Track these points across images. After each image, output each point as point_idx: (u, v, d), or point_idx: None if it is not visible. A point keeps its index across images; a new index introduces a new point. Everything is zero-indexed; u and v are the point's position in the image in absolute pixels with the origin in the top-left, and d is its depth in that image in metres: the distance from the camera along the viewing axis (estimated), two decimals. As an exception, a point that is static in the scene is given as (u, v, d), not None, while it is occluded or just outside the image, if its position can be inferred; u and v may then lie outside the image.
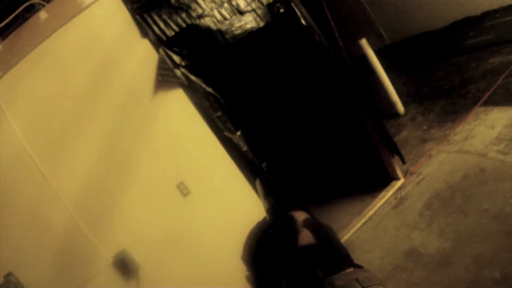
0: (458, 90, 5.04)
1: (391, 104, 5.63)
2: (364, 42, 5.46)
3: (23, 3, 3.48)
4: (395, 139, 5.24)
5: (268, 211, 3.70)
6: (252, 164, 3.87)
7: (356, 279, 2.78)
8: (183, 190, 3.72)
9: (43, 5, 3.51)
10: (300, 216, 3.46)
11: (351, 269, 2.95)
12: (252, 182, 3.85)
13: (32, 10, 3.58)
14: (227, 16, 3.85)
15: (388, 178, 4.60)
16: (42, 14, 3.52)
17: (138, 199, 3.69)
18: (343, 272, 2.88)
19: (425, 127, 5.05)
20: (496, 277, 2.83)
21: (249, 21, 3.92)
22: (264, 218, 3.67)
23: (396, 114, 5.68)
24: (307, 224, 3.35)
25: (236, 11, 3.90)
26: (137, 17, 3.63)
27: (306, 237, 3.24)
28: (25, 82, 3.56)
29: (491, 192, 3.50)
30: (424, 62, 5.93)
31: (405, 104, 5.70)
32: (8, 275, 3.51)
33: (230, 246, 3.73)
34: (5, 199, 3.57)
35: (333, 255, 3.17)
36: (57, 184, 3.61)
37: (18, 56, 3.52)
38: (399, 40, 6.62)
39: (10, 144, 3.55)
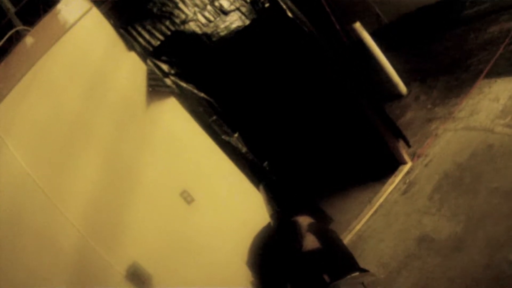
0: (459, 64, 4.87)
1: (393, 86, 5.50)
2: (358, 25, 5.33)
3: (9, 30, 3.49)
4: (400, 121, 5.15)
5: (272, 216, 3.68)
6: (253, 165, 3.84)
7: (362, 283, 2.77)
8: (187, 198, 3.72)
9: (28, 31, 3.53)
10: (304, 220, 3.43)
11: (357, 273, 2.93)
12: (255, 183, 3.82)
13: (18, 36, 3.60)
14: (211, 18, 3.80)
15: (395, 163, 4.50)
16: (28, 40, 3.53)
17: (144, 211, 3.70)
18: (348, 277, 2.87)
19: (429, 106, 4.91)
20: (510, 259, 2.74)
21: (234, 21, 3.86)
22: (269, 223, 3.64)
23: (399, 95, 5.54)
24: (312, 228, 3.32)
25: (220, 12, 3.84)
26: (121, 31, 3.62)
27: (311, 241, 3.22)
28: (20, 109, 3.59)
29: (500, 169, 3.38)
30: (423, 38, 5.75)
31: (407, 83, 5.55)
32: (27, 297, 3.59)
33: (235, 249, 3.72)
34: (15, 225, 3.62)
35: (338, 260, 3.15)
36: (64, 205, 3.65)
37: (10, 84, 3.55)
38: (396, 18, 6.43)
39: (13, 172, 3.59)
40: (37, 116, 3.61)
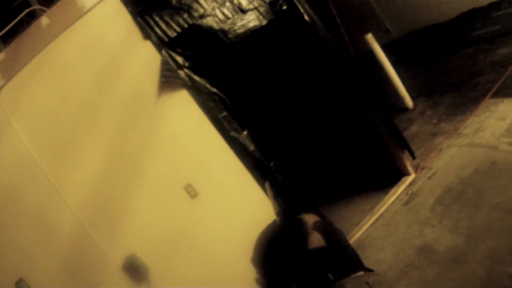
0: (467, 82, 4.93)
1: (400, 99, 5.54)
2: (370, 37, 5.38)
3: (25, 9, 3.47)
4: (405, 134, 5.16)
5: (278, 213, 3.66)
6: (259, 164, 3.83)
7: (367, 283, 2.76)
8: (191, 192, 3.69)
9: (44, 11, 3.51)
10: (310, 218, 3.42)
11: (362, 273, 2.93)
12: (260, 181, 3.81)
13: (33, 16, 3.58)
14: (229, 15, 3.82)
15: (398, 173, 4.52)
16: (44, 20, 3.52)
17: (146, 202, 3.67)
18: (353, 276, 2.86)
19: (434, 121, 4.96)
20: (511, 273, 2.75)
21: (251, 20, 3.88)
22: (274, 221, 3.63)
23: (405, 109, 5.58)
24: (317, 226, 3.32)
25: (238, 10, 3.86)
26: (139, 19, 3.62)
27: (316, 240, 3.22)
28: (29, 89, 3.57)
29: (503, 186, 3.41)
30: (431, 55, 5.83)
31: (414, 98, 5.60)
32: (19, 281, 3.54)
33: (239, 246, 3.70)
34: (14, 206, 3.58)
35: (344, 258, 3.15)
36: (65, 190, 3.62)
37: (20, 63, 3.53)
38: (405, 34, 6.52)
39: (17, 151, 3.56)
40: (45, 97, 3.60)
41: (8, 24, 3.45)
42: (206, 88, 3.72)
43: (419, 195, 4.10)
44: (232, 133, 3.76)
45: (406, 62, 6.08)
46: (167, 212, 3.70)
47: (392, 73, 5.38)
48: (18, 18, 3.40)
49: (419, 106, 5.47)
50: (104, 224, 3.66)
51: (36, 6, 3.44)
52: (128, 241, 3.65)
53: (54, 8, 3.55)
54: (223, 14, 3.81)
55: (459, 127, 4.46)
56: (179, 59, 3.68)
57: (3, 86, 3.54)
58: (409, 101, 5.52)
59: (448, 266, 3.15)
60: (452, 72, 5.31)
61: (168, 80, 3.59)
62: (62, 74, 3.60)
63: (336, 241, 3.27)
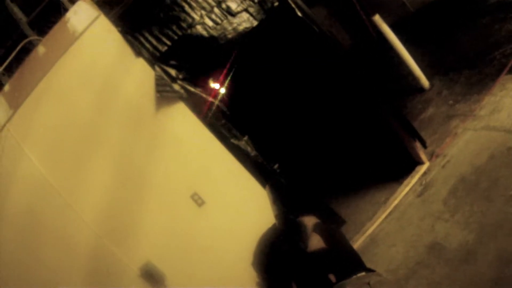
0: (483, 57, 4.60)
1: (415, 79, 5.27)
2: (377, 18, 5.12)
3: (20, 40, 3.60)
4: (421, 117, 4.98)
5: (277, 216, 3.67)
6: (262, 168, 3.82)
7: (368, 283, 2.73)
8: (197, 200, 3.77)
9: (40, 40, 3.62)
10: (310, 221, 3.40)
11: (363, 273, 2.88)
12: (264, 186, 3.82)
13: (31, 46, 3.71)
14: (218, 20, 3.76)
15: (412, 163, 4.36)
16: (40, 49, 3.64)
17: (156, 213, 3.79)
18: (354, 277, 2.83)
19: (450, 102, 4.69)
20: (519, 276, 2.62)
21: (242, 22, 3.80)
22: (274, 224, 3.64)
23: (422, 89, 5.31)
24: (317, 229, 3.29)
25: (227, 14, 3.79)
26: (129, 37, 3.65)
27: (316, 242, 3.20)
28: (35, 115, 3.73)
29: (518, 176, 3.21)
30: (448, 28, 5.44)
31: (430, 77, 5.31)
32: (47, 295, 3.80)
33: (245, 251, 3.75)
34: (35, 227, 3.80)
35: (344, 260, 3.11)
36: (79, 206, 3.79)
37: (25, 92, 3.68)
38: (421, 6, 6.12)
39: (30, 175, 3.76)
40: (51, 122, 3.74)
41: (7, 57, 3.59)
42: (202, 98, 3.73)
43: (433, 186, 3.95)
44: (232, 140, 3.77)
45: (423, 38, 5.73)
46: (177, 221, 3.80)
47: (405, 53, 5.12)
48: (16, 51, 3.54)
49: (435, 85, 5.19)
50: (119, 235, 3.82)
51: (33, 37, 3.55)
52: (143, 250, 3.80)
53: (48, 36, 3.66)
54: (212, 20, 3.75)
55: (475, 108, 4.20)
56: (173, 72, 3.69)
57: (12, 116, 3.73)
58: (425, 81, 5.24)
59: (457, 266, 3.05)
60: (469, 45, 4.96)
61: (163, 95, 3.62)
62: (64, 98, 3.72)
63: (336, 242, 3.23)
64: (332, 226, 3.44)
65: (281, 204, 3.61)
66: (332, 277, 2.96)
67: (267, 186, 3.71)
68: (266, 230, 3.61)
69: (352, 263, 3.06)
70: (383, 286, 2.66)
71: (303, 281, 3.16)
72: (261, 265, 3.57)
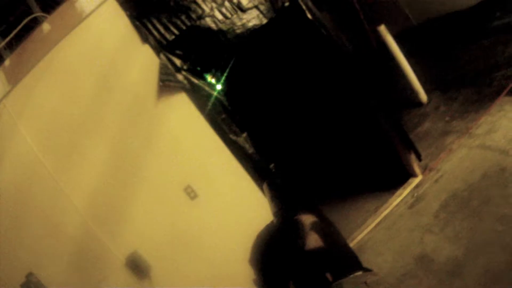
0: (483, 77, 4.68)
1: (414, 93, 5.33)
2: (382, 28, 5.17)
3: (27, 16, 3.53)
4: (417, 130, 5.03)
5: (275, 214, 3.66)
6: (258, 166, 3.82)
7: (365, 283, 2.72)
8: (190, 193, 3.74)
9: (46, 17, 3.56)
10: (307, 219, 3.39)
11: (360, 273, 2.88)
12: (259, 184, 3.81)
13: (36, 22, 3.65)
14: (228, 15, 3.74)
15: (406, 174, 4.40)
16: (45, 27, 3.58)
17: (147, 203, 3.75)
18: (351, 276, 2.82)
19: (447, 118, 4.75)
20: (505, 294, 2.67)
21: (251, 19, 3.79)
22: (272, 222, 3.63)
23: (419, 103, 5.38)
24: (315, 227, 3.28)
25: (237, 9, 3.78)
26: (137, 22, 3.61)
27: (313, 240, 3.18)
28: (34, 93, 3.66)
29: (510, 196, 3.27)
30: (450, 44, 5.53)
31: (429, 91, 5.38)
32: (29, 275, 3.73)
33: (237, 247, 3.74)
34: (23, 206, 3.74)
35: (341, 258, 3.11)
36: (70, 190, 3.73)
37: (25, 69, 3.62)
38: (425, 21, 6.20)
39: (23, 154, 3.69)
40: (50, 101, 3.68)
41: (12, 30, 3.52)
42: (205, 90, 3.70)
43: (424, 199, 4.00)
44: (231, 136, 3.75)
45: (424, 51, 5.82)
46: (167, 213, 3.77)
47: (406, 66, 5.17)
48: (21, 25, 3.47)
49: (433, 100, 5.26)
50: (108, 222, 3.77)
51: (38, 14, 3.49)
52: (130, 239, 3.76)
53: (55, 14, 3.61)
54: (222, 14, 3.73)
55: (471, 127, 4.26)
56: (178, 62, 3.67)
57: (9, 91, 3.66)
58: (423, 96, 5.30)
59: (444, 279, 3.09)
60: (469, 64, 5.04)
61: (166, 84, 3.59)
62: (65, 78, 3.66)
63: (334, 241, 3.23)
64: (329, 225, 3.43)
65: (279, 202, 3.60)
66: (329, 276, 2.96)
67: (265, 184, 3.70)
68: (264, 228, 3.60)
69: (349, 262, 3.06)
70: (380, 285, 2.66)
71: (300, 279, 3.15)
72: (258, 263, 3.55)
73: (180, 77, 3.65)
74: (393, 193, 4.37)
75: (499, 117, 4.07)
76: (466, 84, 4.91)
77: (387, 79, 5.45)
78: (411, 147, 4.20)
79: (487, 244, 3.07)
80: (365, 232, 4.17)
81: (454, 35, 5.46)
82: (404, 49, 5.39)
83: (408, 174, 4.38)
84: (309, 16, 3.85)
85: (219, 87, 3.73)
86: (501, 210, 3.23)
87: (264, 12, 3.84)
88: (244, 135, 3.81)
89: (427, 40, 5.92)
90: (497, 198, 3.36)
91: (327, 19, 6.62)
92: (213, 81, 3.76)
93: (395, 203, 4.24)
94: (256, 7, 3.82)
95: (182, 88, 3.67)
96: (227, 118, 3.76)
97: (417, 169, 4.31)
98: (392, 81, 5.47)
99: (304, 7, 3.86)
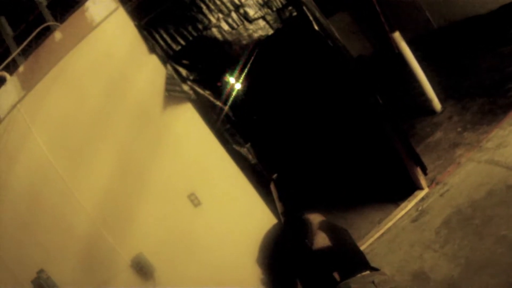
0: (499, 87, 4.54)
1: (428, 101, 5.24)
2: (397, 35, 5.06)
3: (39, 23, 3.66)
4: (428, 140, 4.95)
5: (283, 213, 3.69)
6: (261, 177, 3.86)
7: (373, 282, 2.72)
8: (194, 200, 3.83)
9: (58, 26, 3.68)
10: (315, 218, 3.41)
11: (367, 272, 2.89)
12: (261, 192, 3.86)
13: (49, 30, 3.77)
14: (235, 25, 3.76)
15: (412, 187, 4.35)
16: (57, 35, 3.70)
17: (152, 208, 3.86)
18: (359, 275, 2.84)
19: (459, 129, 4.65)
20: (499, 319, 2.64)
21: (257, 29, 3.80)
22: (280, 221, 3.66)
23: (433, 111, 5.28)
24: (323, 226, 3.30)
25: (244, 20, 3.79)
26: (144, 32, 3.68)
27: (321, 239, 3.21)
28: (46, 99, 3.81)
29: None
30: (468, 51, 5.38)
31: (443, 99, 5.27)
32: (40, 271, 3.93)
33: (240, 252, 3.83)
34: (35, 207, 3.92)
35: (349, 258, 3.12)
36: (80, 193, 3.89)
37: (38, 75, 3.76)
38: (445, 24, 6.04)
39: (36, 157, 3.86)
40: (61, 108, 3.82)
41: (24, 36, 3.65)
42: (210, 101, 3.75)
43: (428, 213, 3.96)
44: (234, 146, 3.80)
45: (442, 57, 5.68)
46: (172, 218, 3.88)
47: (420, 73, 5.07)
48: (34, 33, 3.60)
49: (447, 109, 5.14)
50: (115, 225, 3.91)
51: (51, 22, 3.61)
52: (136, 242, 3.89)
53: (66, 23, 3.71)
54: (229, 24, 3.75)
55: (482, 139, 4.17)
56: (184, 72, 3.72)
57: (23, 97, 3.82)
58: (437, 104, 5.19)
59: (439, 299, 3.08)
60: (486, 73, 4.90)
61: (172, 94, 3.67)
62: (75, 86, 3.79)
63: (342, 241, 3.23)
64: (337, 225, 3.42)
65: (287, 201, 3.62)
66: (336, 275, 2.97)
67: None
68: (272, 226, 3.62)
69: (357, 261, 3.06)
70: (387, 285, 2.66)
71: (308, 278, 3.18)
72: (266, 262, 3.59)
73: (185, 87, 3.71)
74: (398, 205, 4.34)
75: (510, 131, 3.96)
76: (481, 94, 4.78)
77: (402, 84, 5.37)
78: (417, 161, 4.14)
79: (484, 265, 3.03)
80: (368, 243, 4.17)
81: (473, 41, 5.30)
82: (422, 54, 5.29)
83: (415, 187, 4.33)
84: (315, 27, 3.83)
85: (224, 97, 3.76)
86: (502, 231, 3.18)
87: (271, 22, 3.83)
88: (248, 145, 3.86)
89: (446, 45, 5.77)
90: (499, 218, 3.30)
91: (347, 20, 6.58)
92: (219, 91, 3.79)
93: (399, 215, 4.21)
94: (263, 17, 3.82)
95: (188, 98, 3.74)
96: (231, 128, 3.81)
97: (423, 181, 4.26)
98: (407, 87, 5.38)
99: (311, 18, 3.83)
